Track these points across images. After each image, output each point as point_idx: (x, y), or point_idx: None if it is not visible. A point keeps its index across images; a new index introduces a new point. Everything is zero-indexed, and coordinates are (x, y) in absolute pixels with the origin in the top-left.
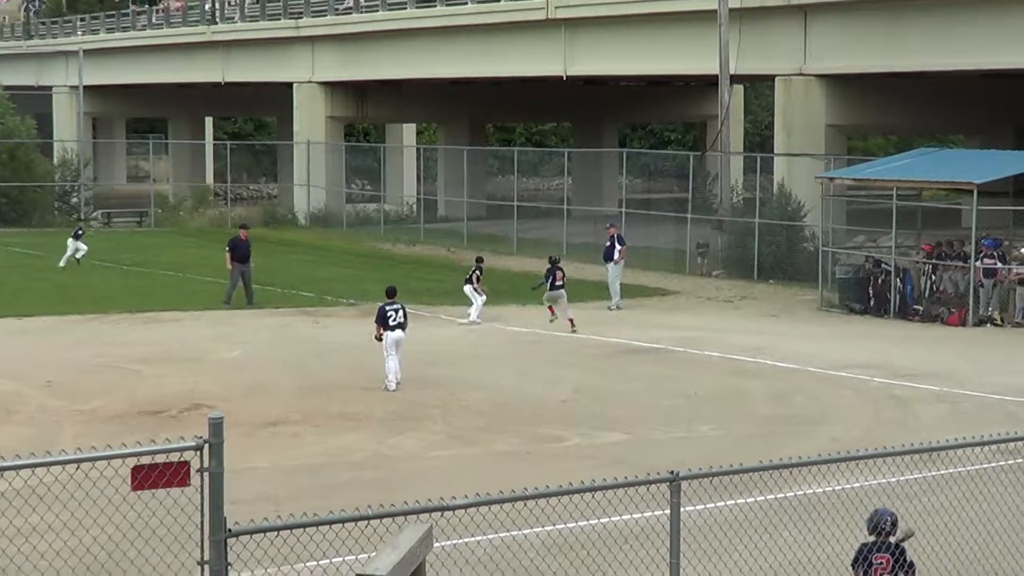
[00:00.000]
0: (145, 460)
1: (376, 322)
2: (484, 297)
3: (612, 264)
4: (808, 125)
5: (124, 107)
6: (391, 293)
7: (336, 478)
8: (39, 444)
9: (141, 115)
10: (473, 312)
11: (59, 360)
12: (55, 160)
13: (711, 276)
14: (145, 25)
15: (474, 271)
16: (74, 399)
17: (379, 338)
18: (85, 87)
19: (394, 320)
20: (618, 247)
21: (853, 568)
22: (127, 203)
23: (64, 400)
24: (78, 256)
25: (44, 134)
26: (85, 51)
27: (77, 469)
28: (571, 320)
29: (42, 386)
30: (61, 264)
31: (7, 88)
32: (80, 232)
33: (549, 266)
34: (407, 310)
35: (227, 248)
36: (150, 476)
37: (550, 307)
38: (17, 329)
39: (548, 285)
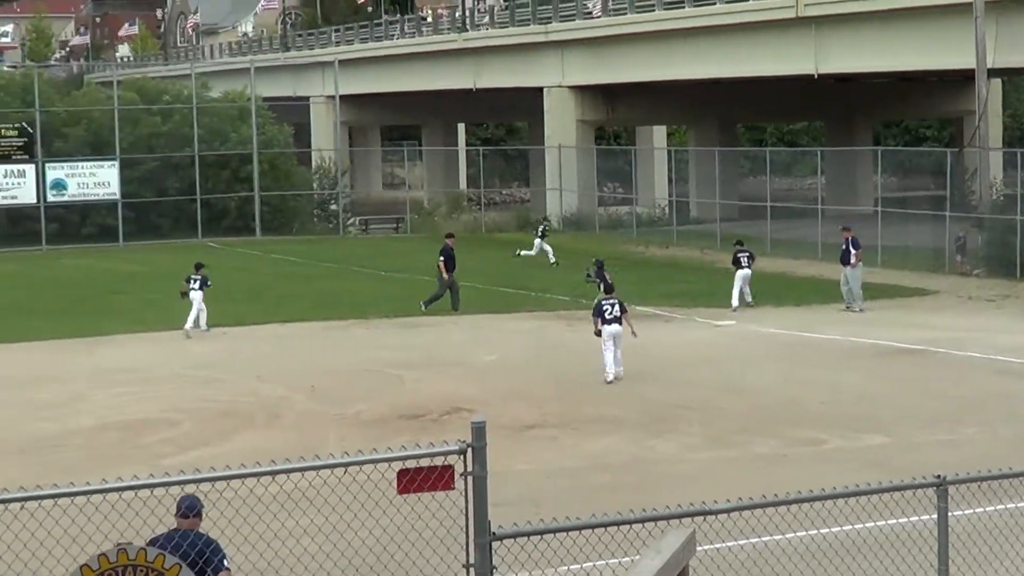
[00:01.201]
0: (410, 464)
1: (593, 316)
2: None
3: (849, 268)
4: None
5: (379, 115)
6: (609, 289)
7: (594, 481)
8: (304, 447)
9: (395, 123)
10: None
11: (322, 365)
12: (313, 169)
13: (971, 275)
14: (398, 35)
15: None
16: (337, 403)
17: (598, 333)
18: (341, 96)
19: (610, 314)
20: (853, 251)
21: None
22: (383, 210)
23: (327, 404)
24: (551, 258)
25: (302, 143)
26: (340, 61)
27: (345, 473)
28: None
29: (306, 390)
30: (553, 260)
31: (266, 99)
32: (544, 231)
33: (596, 269)
34: (625, 305)
35: (441, 257)
36: (415, 480)
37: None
38: (281, 335)
39: (601, 288)
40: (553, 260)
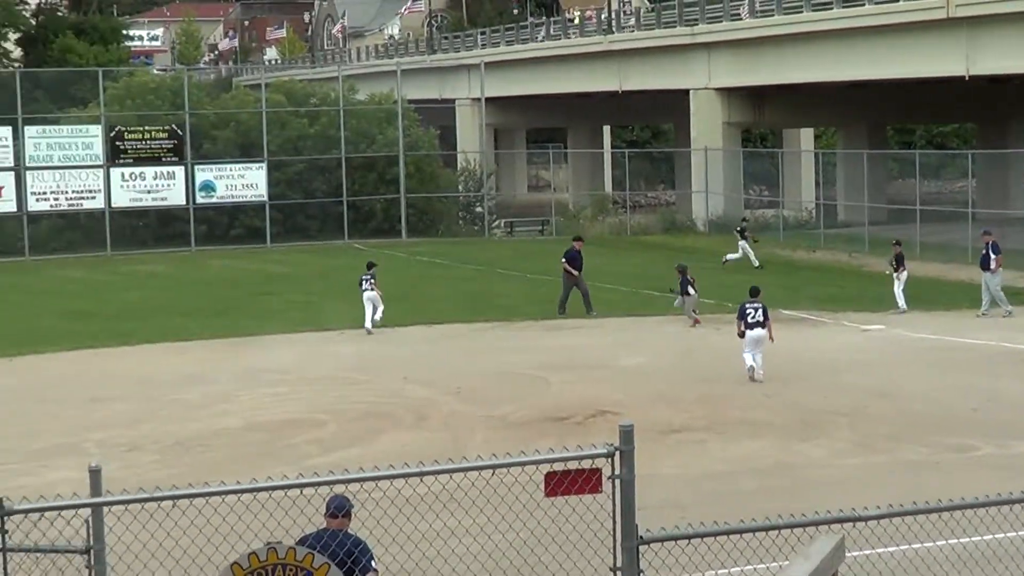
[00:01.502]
0: (558, 466)
1: (737, 319)
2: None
3: (989, 273)
4: None
5: (524, 117)
6: (754, 292)
7: (741, 485)
8: (451, 449)
9: (541, 125)
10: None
11: (468, 367)
12: (458, 171)
13: None
14: (543, 37)
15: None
16: (483, 405)
17: (741, 334)
18: (487, 99)
19: (752, 318)
20: (993, 256)
21: None
22: (528, 212)
23: (473, 406)
24: (753, 261)
25: (447, 146)
26: (486, 64)
27: (493, 475)
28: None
29: (452, 392)
30: (756, 264)
31: (412, 102)
32: (744, 231)
33: (680, 275)
34: (767, 310)
35: (563, 259)
36: (563, 482)
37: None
38: (428, 337)
39: (683, 292)
40: (757, 264)
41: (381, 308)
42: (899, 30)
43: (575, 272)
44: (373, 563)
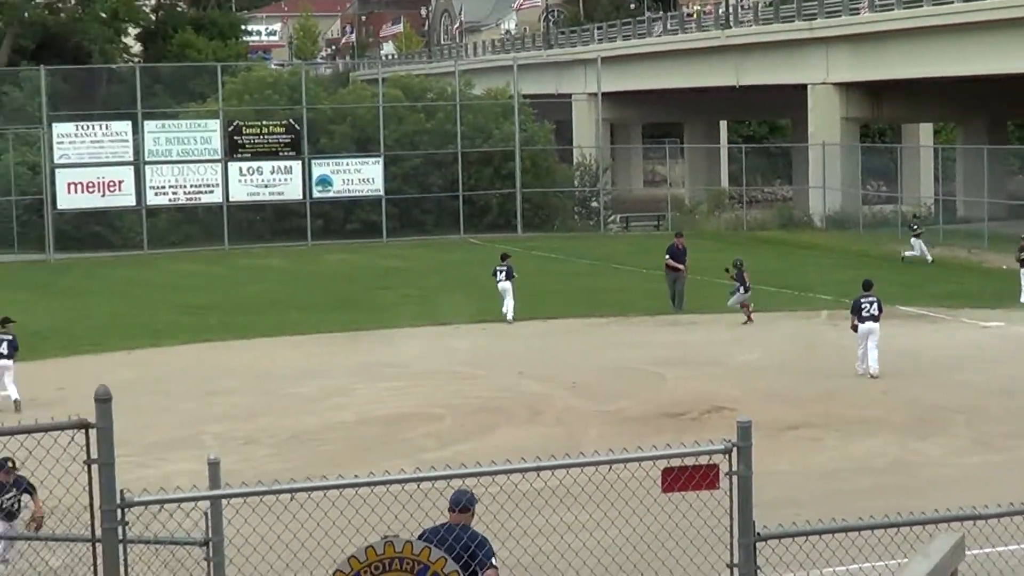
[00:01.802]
0: (675, 462)
1: (851, 313)
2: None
3: None
4: None
5: (640, 112)
6: (867, 286)
7: (857, 483)
8: (565, 444)
9: (657, 120)
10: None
11: (583, 361)
12: (574, 166)
13: None
14: (660, 31)
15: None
16: (598, 400)
17: (854, 328)
18: (603, 93)
19: (867, 311)
20: None
21: None
22: (644, 207)
23: (588, 401)
24: (927, 256)
25: (563, 140)
26: (603, 58)
27: (610, 470)
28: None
29: (568, 387)
30: (929, 259)
31: (528, 96)
32: (918, 227)
33: (736, 271)
34: (882, 303)
35: (667, 255)
36: (679, 478)
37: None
38: (543, 331)
39: (742, 289)
40: (930, 259)
41: (511, 301)
42: (1020, 24)
43: (679, 267)
44: (492, 559)
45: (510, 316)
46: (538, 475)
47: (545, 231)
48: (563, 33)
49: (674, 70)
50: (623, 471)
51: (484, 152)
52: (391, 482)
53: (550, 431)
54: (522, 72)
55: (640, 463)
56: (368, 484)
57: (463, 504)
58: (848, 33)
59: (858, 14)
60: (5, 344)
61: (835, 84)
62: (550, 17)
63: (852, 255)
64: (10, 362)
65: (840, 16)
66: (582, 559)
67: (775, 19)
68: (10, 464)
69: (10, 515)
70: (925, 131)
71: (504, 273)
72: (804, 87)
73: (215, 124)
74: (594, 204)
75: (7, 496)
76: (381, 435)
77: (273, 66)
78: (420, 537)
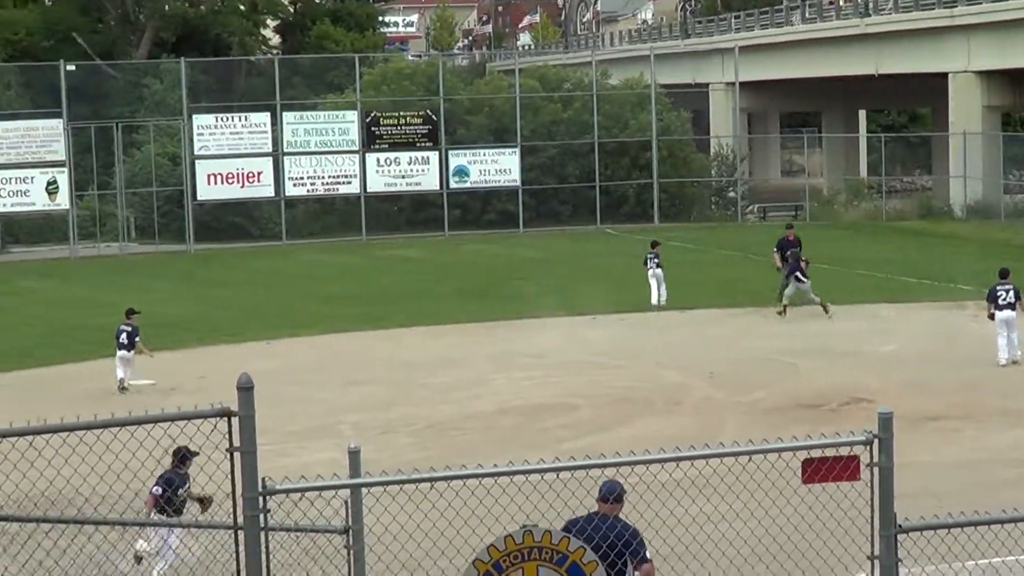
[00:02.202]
0: (815, 453)
1: (987, 301)
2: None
3: None
4: None
5: (778, 102)
6: (1004, 274)
7: (999, 475)
8: (703, 435)
9: (794, 109)
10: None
11: (720, 352)
12: (711, 156)
13: None
14: (798, 20)
15: None
16: (735, 391)
17: (991, 317)
18: (740, 83)
19: (1003, 300)
20: None
21: None
22: (781, 197)
23: (726, 391)
24: None
25: (700, 130)
26: (740, 48)
27: (749, 460)
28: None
29: (705, 377)
30: None
31: (664, 86)
32: None
33: (792, 261)
34: (1019, 292)
35: (775, 248)
36: (820, 469)
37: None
38: (681, 322)
39: (794, 280)
40: None
41: (664, 288)
42: None
43: (797, 260)
44: (646, 552)
45: (663, 301)
46: (677, 465)
47: (682, 221)
48: (700, 22)
49: (812, 59)
50: (763, 462)
51: (621, 142)
52: (529, 472)
53: (687, 422)
54: (659, 62)
55: (780, 454)
56: (506, 473)
57: (615, 495)
58: (990, 20)
59: (1001, 1)
60: (125, 335)
61: (976, 72)
62: (687, 6)
63: (993, 244)
64: (129, 353)
65: (981, 3)
66: (721, 550)
67: (915, 7)
68: (187, 452)
69: (179, 510)
70: None
71: (655, 261)
72: (944, 75)
73: (353, 115)
74: (731, 194)
75: (184, 488)
76: (518, 425)
77: (410, 57)
78: (568, 526)
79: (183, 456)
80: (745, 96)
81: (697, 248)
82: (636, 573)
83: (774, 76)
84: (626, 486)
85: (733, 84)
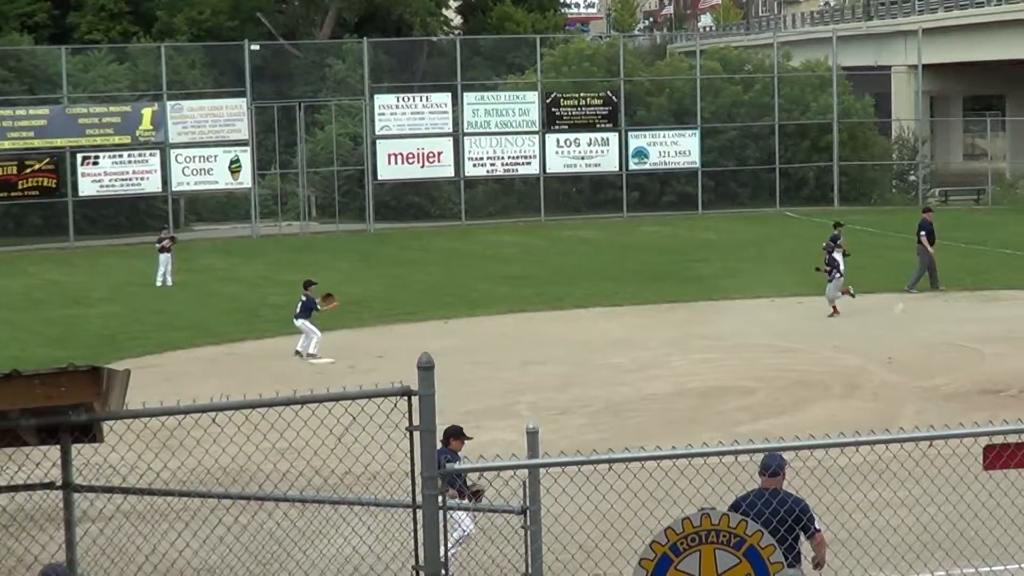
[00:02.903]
0: (996, 440)
1: None
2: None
3: None
4: None
5: (961, 85)
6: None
7: None
8: (881, 419)
9: (978, 92)
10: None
11: (900, 336)
12: (892, 139)
13: None
14: (985, 2)
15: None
16: (915, 376)
17: None
18: (923, 65)
19: None
20: None
21: None
22: (963, 181)
23: (905, 376)
24: None
25: (881, 113)
26: (924, 30)
27: (930, 446)
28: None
29: (884, 362)
30: None
31: (846, 68)
32: None
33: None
34: None
35: (921, 231)
36: (1002, 456)
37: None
38: (860, 306)
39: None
40: None
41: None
42: None
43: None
44: (817, 523)
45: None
46: (856, 450)
47: (861, 204)
48: (883, 4)
49: (998, 41)
50: (943, 447)
51: (801, 124)
52: (707, 454)
53: (865, 406)
54: (840, 44)
55: (961, 440)
56: (683, 456)
57: (773, 468)
58: None
59: None
60: (300, 305)
61: None
62: None
63: None
64: (299, 322)
65: None
66: (900, 536)
67: None
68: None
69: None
70: None
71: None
72: None
73: (533, 96)
74: (912, 177)
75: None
76: (694, 407)
77: (591, 38)
78: (738, 502)
79: (457, 434)
80: (928, 79)
81: (876, 232)
82: (809, 543)
83: (958, 59)
84: (805, 470)
85: (916, 67)
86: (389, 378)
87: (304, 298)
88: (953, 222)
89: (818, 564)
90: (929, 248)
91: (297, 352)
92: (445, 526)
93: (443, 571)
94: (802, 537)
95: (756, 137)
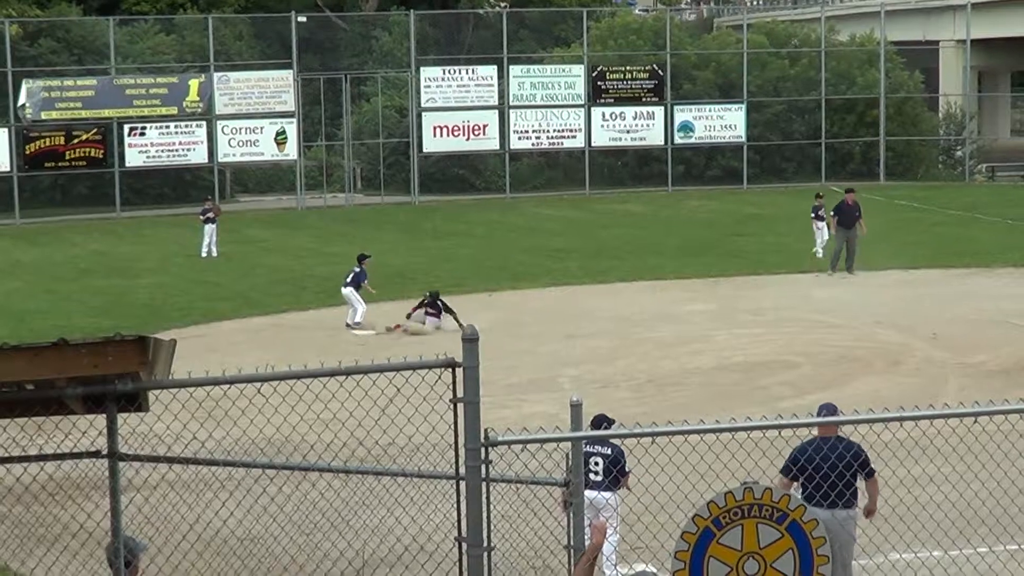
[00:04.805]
0: None
1: None
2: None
3: None
4: None
5: (1010, 60)
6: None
7: None
8: (924, 395)
9: None
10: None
11: (943, 313)
12: (940, 114)
13: None
14: None
15: None
16: (958, 352)
17: None
18: (972, 41)
19: None
20: None
21: None
22: (1011, 157)
23: (949, 352)
24: None
25: (929, 88)
26: (973, 5)
27: (975, 422)
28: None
29: (927, 338)
30: None
31: (895, 43)
32: None
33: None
34: None
35: (831, 213)
36: None
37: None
38: (903, 281)
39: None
40: None
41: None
42: None
43: (840, 228)
44: (872, 465)
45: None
46: (901, 425)
47: (908, 180)
48: None
49: None
50: (988, 424)
51: (848, 99)
52: (750, 428)
53: (908, 382)
54: (889, 18)
55: (1007, 416)
56: (727, 430)
57: (826, 414)
58: None
59: None
60: (352, 275)
61: None
62: None
63: None
64: (347, 291)
65: None
66: (943, 511)
67: None
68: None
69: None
70: None
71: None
72: None
73: (579, 69)
74: (959, 153)
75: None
76: (737, 382)
77: (638, 12)
78: (797, 454)
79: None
80: (976, 54)
81: (922, 207)
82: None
83: (1008, 34)
84: None
85: (964, 41)
86: (434, 351)
87: (357, 269)
88: (999, 198)
89: (870, 512)
90: (832, 230)
91: (348, 325)
92: (488, 496)
93: (485, 543)
94: (859, 477)
95: (802, 111)
